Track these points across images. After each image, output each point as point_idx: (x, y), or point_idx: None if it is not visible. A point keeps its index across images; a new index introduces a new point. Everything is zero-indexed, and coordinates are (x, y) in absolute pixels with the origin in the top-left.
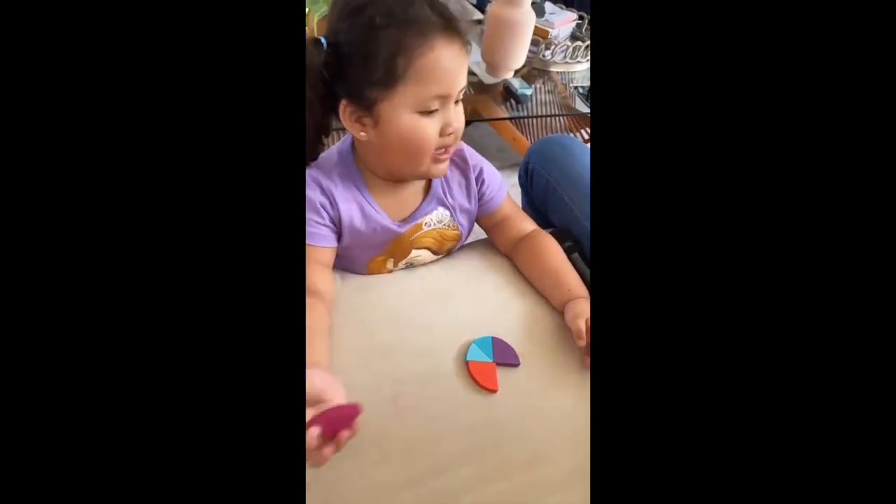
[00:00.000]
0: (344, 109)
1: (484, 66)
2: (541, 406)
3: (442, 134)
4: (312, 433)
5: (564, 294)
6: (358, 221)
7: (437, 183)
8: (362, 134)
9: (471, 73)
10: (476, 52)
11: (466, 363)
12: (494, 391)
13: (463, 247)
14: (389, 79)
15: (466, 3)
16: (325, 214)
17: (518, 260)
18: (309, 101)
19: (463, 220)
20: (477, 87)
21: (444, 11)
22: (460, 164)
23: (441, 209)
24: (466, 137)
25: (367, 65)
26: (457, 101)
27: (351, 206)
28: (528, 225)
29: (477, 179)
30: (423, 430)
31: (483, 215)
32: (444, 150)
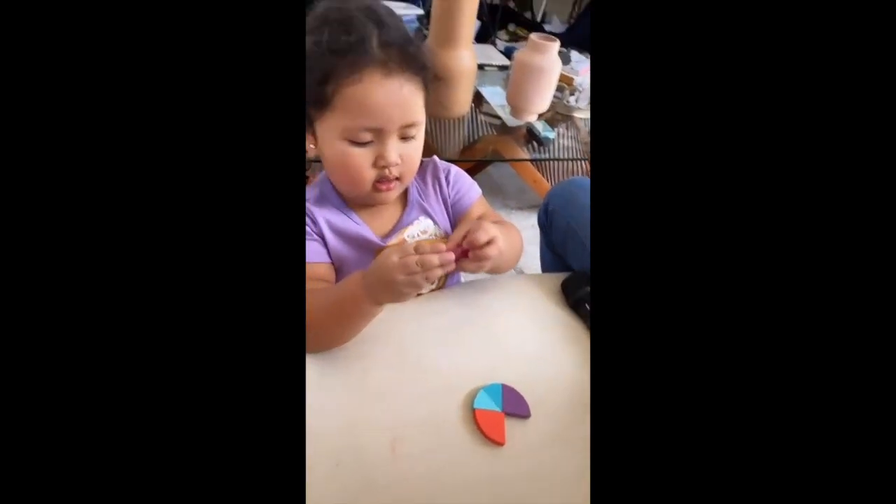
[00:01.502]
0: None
1: (509, 108)
2: (549, 465)
3: (375, 166)
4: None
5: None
6: (341, 236)
7: (412, 192)
8: (311, 147)
9: (495, 115)
10: (501, 95)
11: (473, 411)
12: (501, 444)
13: (480, 279)
14: (320, 103)
15: (425, 48)
16: (311, 230)
17: None
18: None
19: (445, 227)
20: (500, 129)
21: (389, 48)
22: (432, 171)
23: (423, 218)
24: (486, 177)
25: (308, 83)
26: (406, 138)
27: (332, 221)
28: (500, 220)
29: (446, 179)
30: (420, 481)
31: (456, 216)
32: (384, 181)
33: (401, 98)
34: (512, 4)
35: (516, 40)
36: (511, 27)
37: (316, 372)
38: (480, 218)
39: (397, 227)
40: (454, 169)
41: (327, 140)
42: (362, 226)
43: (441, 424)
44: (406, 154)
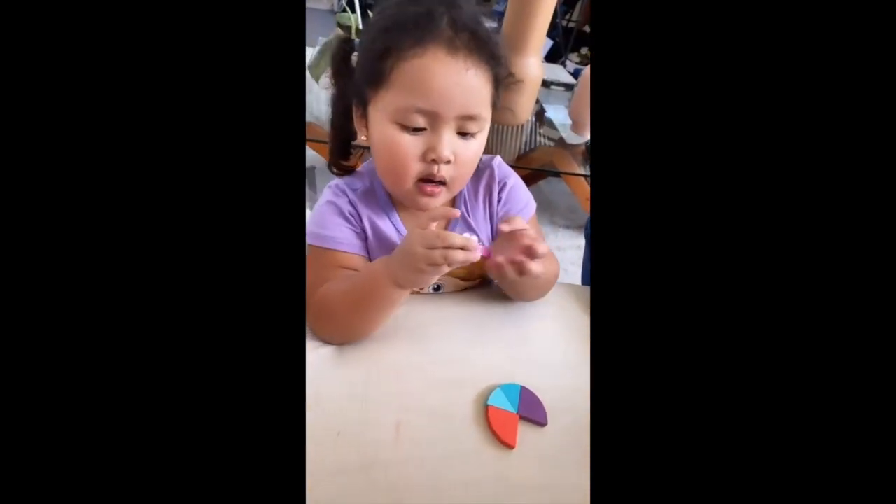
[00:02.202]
0: (355, 108)
1: (570, 125)
2: (557, 479)
3: (424, 159)
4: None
5: None
6: (380, 240)
7: (459, 205)
8: (363, 137)
9: (555, 131)
10: (564, 115)
11: (486, 407)
12: (511, 447)
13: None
14: (377, 77)
15: (500, 38)
16: (354, 222)
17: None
18: (332, 100)
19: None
20: (559, 144)
21: (459, 28)
22: (487, 180)
23: (468, 235)
24: (537, 191)
25: (364, 62)
26: (464, 133)
27: (375, 223)
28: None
29: (500, 193)
30: (420, 468)
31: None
32: (430, 181)
33: (464, 82)
34: (587, 29)
35: (587, 64)
36: (584, 50)
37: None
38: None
39: None
40: (512, 181)
41: (377, 122)
42: (403, 235)
43: (451, 415)
44: (461, 154)
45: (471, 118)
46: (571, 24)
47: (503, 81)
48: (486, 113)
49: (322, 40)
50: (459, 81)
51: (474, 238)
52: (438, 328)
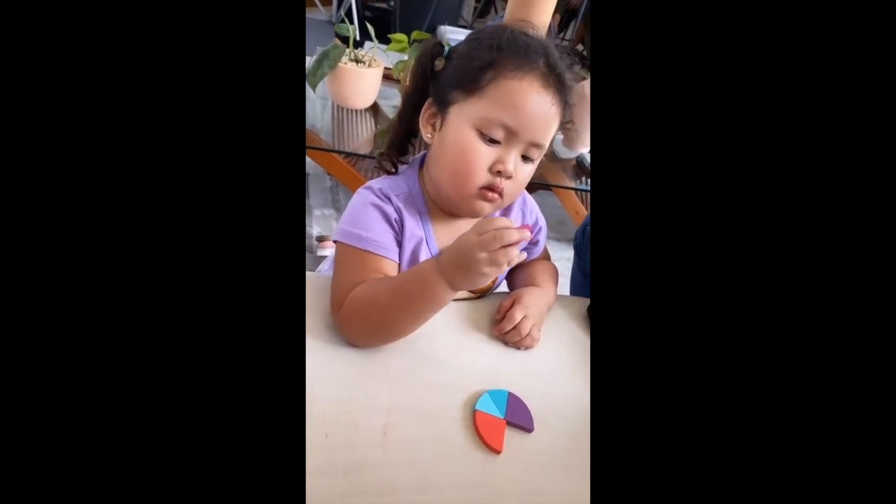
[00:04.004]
0: (427, 107)
1: (561, 139)
2: (543, 485)
3: (492, 170)
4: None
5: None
6: (416, 257)
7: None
8: (429, 136)
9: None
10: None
11: (474, 412)
12: (498, 452)
13: (508, 293)
14: (472, 85)
15: (578, 88)
16: (397, 229)
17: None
18: (405, 96)
19: None
20: (550, 157)
21: (553, 65)
22: (519, 200)
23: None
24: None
25: (461, 68)
26: (526, 157)
27: (414, 238)
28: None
29: (534, 226)
30: (408, 471)
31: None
32: (492, 189)
33: (546, 114)
34: (581, 48)
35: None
36: (576, 68)
37: (324, 341)
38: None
39: None
40: (537, 211)
41: (457, 125)
42: (431, 245)
43: (438, 419)
44: (519, 173)
45: (538, 146)
46: (565, 43)
47: (564, 124)
48: (548, 144)
49: (320, 49)
50: (544, 111)
51: (524, 227)
52: (428, 332)
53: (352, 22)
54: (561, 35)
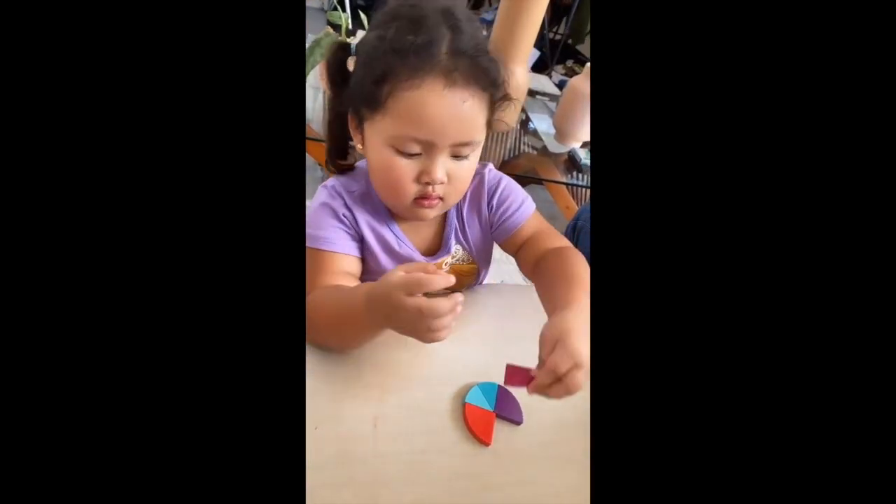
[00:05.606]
0: (350, 118)
1: (553, 135)
2: (532, 476)
3: (418, 181)
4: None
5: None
6: (383, 246)
7: (451, 217)
8: (360, 146)
9: (539, 141)
10: (549, 124)
11: (464, 405)
12: (487, 444)
13: (501, 286)
14: (373, 103)
15: (501, 65)
16: (347, 224)
17: (536, 282)
18: (328, 102)
19: (480, 253)
20: (542, 152)
21: (459, 57)
22: (477, 189)
23: (455, 244)
24: None
25: (359, 82)
26: (458, 156)
27: (380, 234)
28: (556, 241)
29: (489, 204)
30: (398, 462)
31: (504, 238)
32: (426, 197)
33: (460, 113)
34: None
35: (572, 76)
36: (569, 63)
37: None
38: (532, 240)
39: (441, 251)
40: (503, 184)
41: (373, 144)
42: (414, 250)
43: (428, 411)
44: (454, 174)
45: (465, 144)
46: (558, 37)
47: (500, 103)
48: (481, 136)
49: (311, 37)
50: (455, 114)
51: (459, 296)
52: None
53: (344, 10)
54: (554, 30)
